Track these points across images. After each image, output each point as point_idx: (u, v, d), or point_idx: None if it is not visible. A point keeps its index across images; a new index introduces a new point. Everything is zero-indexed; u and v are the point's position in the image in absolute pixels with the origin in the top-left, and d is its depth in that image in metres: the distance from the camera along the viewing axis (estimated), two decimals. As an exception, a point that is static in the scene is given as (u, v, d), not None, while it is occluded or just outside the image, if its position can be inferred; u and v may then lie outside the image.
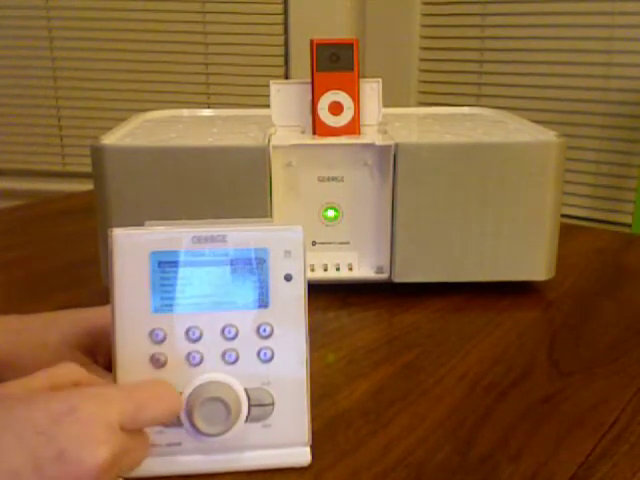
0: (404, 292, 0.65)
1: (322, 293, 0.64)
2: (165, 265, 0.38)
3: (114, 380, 0.38)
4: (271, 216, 0.62)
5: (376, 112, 0.69)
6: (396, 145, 0.61)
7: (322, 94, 0.66)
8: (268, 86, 0.68)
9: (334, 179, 0.64)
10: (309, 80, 0.66)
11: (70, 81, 2.13)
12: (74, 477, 0.30)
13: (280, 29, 2.02)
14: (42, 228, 0.88)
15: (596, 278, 0.72)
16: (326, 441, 0.42)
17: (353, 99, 0.66)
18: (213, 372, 0.38)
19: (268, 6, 2.01)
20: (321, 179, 0.64)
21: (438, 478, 0.40)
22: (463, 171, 0.62)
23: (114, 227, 0.38)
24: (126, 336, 0.38)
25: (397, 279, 0.64)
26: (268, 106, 0.69)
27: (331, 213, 0.65)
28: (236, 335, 0.39)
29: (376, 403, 0.47)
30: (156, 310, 0.38)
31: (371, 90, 0.68)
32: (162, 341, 0.38)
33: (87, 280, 0.68)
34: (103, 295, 0.40)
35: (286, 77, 2.03)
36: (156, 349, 0.38)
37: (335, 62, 0.65)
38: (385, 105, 0.69)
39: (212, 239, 0.38)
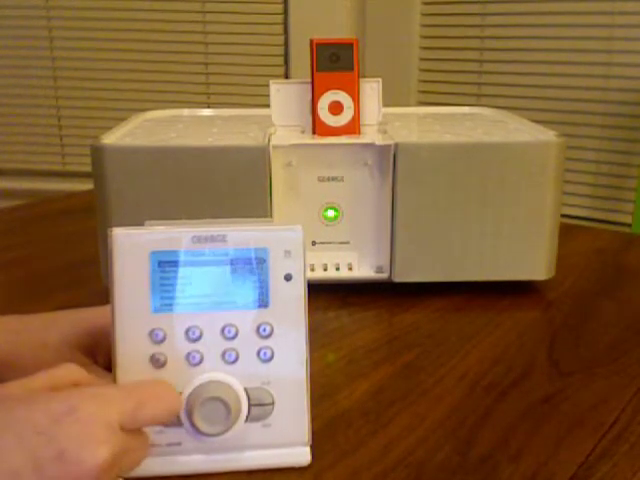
0: (404, 292, 0.65)
1: (322, 293, 0.64)
2: (165, 265, 0.38)
3: (114, 380, 0.38)
4: (271, 216, 0.62)
5: (376, 112, 0.69)
6: (396, 145, 0.61)
7: (322, 94, 0.66)
8: (268, 86, 0.68)
9: (334, 179, 0.64)
10: (309, 80, 0.66)
11: (70, 81, 2.13)
12: (74, 477, 0.30)
13: (280, 29, 2.02)
14: (42, 228, 0.88)
15: (596, 278, 0.72)
16: (326, 441, 0.42)
17: (353, 99, 0.66)
18: (213, 372, 0.38)
19: (268, 6, 2.01)
20: (321, 179, 0.64)
21: (438, 478, 0.40)
22: (463, 171, 0.62)
23: (114, 227, 0.38)
24: (126, 336, 0.38)
25: (397, 279, 0.64)
26: (268, 106, 0.69)
27: (331, 213, 0.65)
28: (236, 335, 0.39)
29: (376, 403, 0.47)
30: (156, 310, 0.38)
31: (371, 90, 0.68)
32: (162, 341, 0.38)
33: (87, 280, 0.68)
34: (103, 295, 0.40)
35: (286, 77, 2.03)
36: (156, 349, 0.38)
37: (335, 62, 0.65)
38: (385, 105, 0.69)
39: (212, 239, 0.38)
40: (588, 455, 0.42)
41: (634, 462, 0.41)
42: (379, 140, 0.63)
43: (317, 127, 0.66)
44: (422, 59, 1.96)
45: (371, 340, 0.57)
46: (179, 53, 2.07)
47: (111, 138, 0.63)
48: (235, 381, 0.38)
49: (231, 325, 0.39)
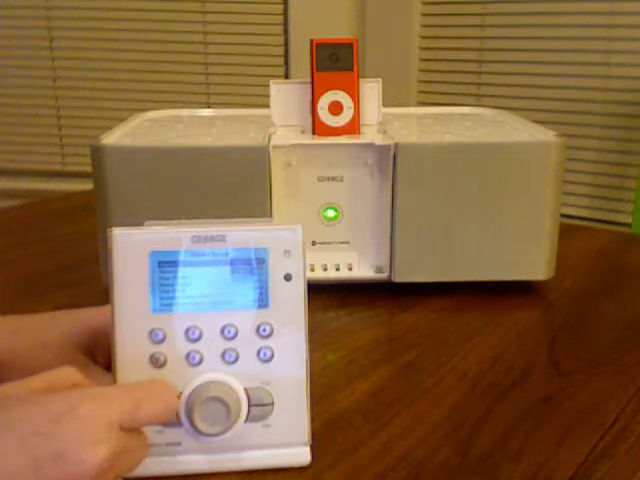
0: (404, 292, 0.65)
1: (322, 293, 0.64)
2: (165, 265, 0.38)
3: (114, 380, 0.38)
4: (271, 216, 0.62)
5: (376, 112, 0.69)
6: (396, 145, 0.61)
7: (322, 94, 0.66)
8: (268, 86, 0.68)
9: (334, 179, 0.64)
10: (309, 80, 0.66)
11: (70, 81, 2.13)
12: (74, 477, 0.30)
13: (280, 29, 2.02)
14: (42, 228, 0.88)
15: (596, 278, 0.72)
16: (326, 441, 0.42)
17: (353, 99, 0.66)
18: (213, 372, 0.38)
19: (268, 6, 2.01)
20: (321, 179, 0.64)
21: (438, 478, 0.40)
22: (463, 171, 0.62)
23: (114, 227, 0.38)
24: (126, 336, 0.38)
25: (397, 279, 0.64)
26: (268, 106, 0.69)
27: (331, 213, 0.65)
28: (236, 335, 0.39)
29: (376, 403, 0.47)
30: (156, 310, 0.38)
31: (371, 90, 0.68)
32: (162, 341, 0.38)
33: (87, 280, 0.68)
34: (103, 295, 0.40)
35: (286, 77, 2.03)
36: (156, 349, 0.38)
37: (335, 62, 0.65)
38: (385, 105, 0.70)
39: (212, 239, 0.38)
40: (588, 455, 0.42)
41: (634, 462, 0.41)
42: (379, 140, 0.63)
43: (317, 127, 0.66)
44: (422, 59, 1.96)
45: (371, 340, 0.57)
46: (179, 53, 2.07)
47: (111, 138, 0.63)
48: (235, 381, 0.38)
49: (231, 325, 0.39)
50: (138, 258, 0.38)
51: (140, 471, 0.37)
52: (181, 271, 0.38)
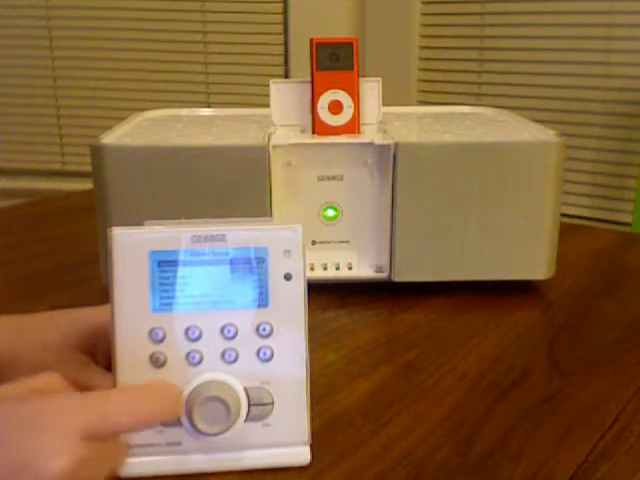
0: (404, 292, 0.65)
1: (322, 293, 0.64)
2: (164, 264, 0.38)
3: (114, 379, 0.38)
4: (271, 215, 0.62)
5: (376, 111, 0.69)
6: (396, 144, 0.61)
7: (322, 93, 0.66)
8: (268, 86, 0.68)
9: (334, 178, 0.64)
10: (309, 79, 0.66)
11: (70, 81, 2.13)
12: None
13: (280, 29, 2.02)
14: (42, 228, 0.88)
15: (596, 278, 0.72)
16: (326, 441, 0.42)
17: (353, 98, 0.66)
18: (213, 371, 0.38)
19: (268, 6, 2.01)
20: (321, 178, 0.64)
21: (438, 478, 0.40)
22: (463, 171, 0.62)
23: (114, 227, 0.38)
24: (126, 335, 0.38)
25: (397, 278, 0.64)
26: (268, 106, 0.69)
27: (331, 212, 0.65)
28: (236, 334, 0.39)
29: (376, 403, 0.47)
30: (155, 309, 0.38)
31: (371, 89, 0.68)
32: (162, 340, 0.38)
33: (87, 280, 0.68)
34: (103, 295, 0.40)
35: (286, 77, 2.03)
36: (156, 348, 0.38)
37: (335, 61, 0.65)
38: (385, 104, 0.69)
39: (211, 238, 0.38)
40: (588, 455, 0.42)
41: (634, 462, 0.41)
42: (379, 139, 0.62)
43: (317, 126, 0.66)
44: (422, 58, 1.96)
45: (371, 340, 0.57)
46: (179, 53, 2.07)
47: (111, 138, 0.63)
48: (235, 381, 0.38)
49: (231, 325, 0.38)
50: (138, 258, 0.38)
51: (140, 471, 0.37)
52: (181, 271, 0.38)
